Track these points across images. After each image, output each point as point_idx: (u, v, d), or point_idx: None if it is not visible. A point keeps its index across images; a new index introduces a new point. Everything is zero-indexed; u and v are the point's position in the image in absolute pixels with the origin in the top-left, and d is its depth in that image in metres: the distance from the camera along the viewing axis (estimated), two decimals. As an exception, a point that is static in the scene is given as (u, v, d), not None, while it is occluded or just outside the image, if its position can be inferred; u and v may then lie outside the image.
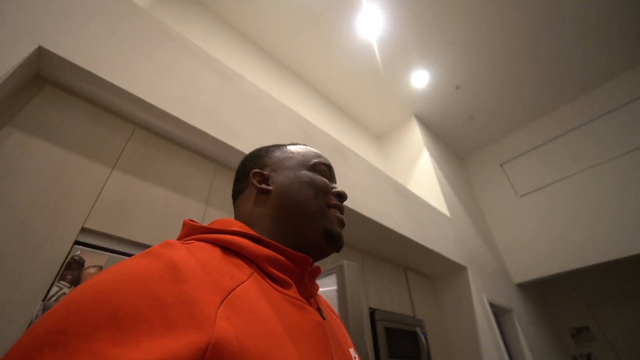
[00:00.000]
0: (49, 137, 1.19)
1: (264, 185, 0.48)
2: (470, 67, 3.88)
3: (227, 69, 1.89)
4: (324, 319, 0.42)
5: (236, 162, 1.73)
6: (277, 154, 0.53)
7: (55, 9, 1.25)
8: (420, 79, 3.96)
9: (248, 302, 0.31)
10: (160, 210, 1.36)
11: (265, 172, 0.50)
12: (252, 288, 0.33)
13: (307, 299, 0.42)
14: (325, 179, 0.50)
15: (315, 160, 0.52)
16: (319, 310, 0.43)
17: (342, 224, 0.49)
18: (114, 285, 0.25)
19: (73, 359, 0.20)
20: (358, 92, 4.13)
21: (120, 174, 1.31)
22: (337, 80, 3.97)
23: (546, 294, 4.77)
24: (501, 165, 4.70)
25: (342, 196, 0.50)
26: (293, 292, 0.39)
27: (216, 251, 0.35)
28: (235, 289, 0.31)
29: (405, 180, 4.04)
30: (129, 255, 1.20)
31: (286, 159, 0.52)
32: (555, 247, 3.76)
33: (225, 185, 1.69)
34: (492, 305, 3.13)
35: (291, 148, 0.54)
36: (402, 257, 2.81)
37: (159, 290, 0.25)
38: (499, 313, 3.39)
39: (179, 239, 0.39)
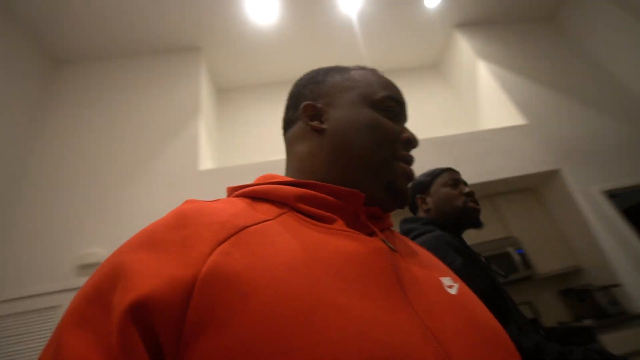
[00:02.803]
0: None
1: (316, 123, 0.41)
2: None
3: None
4: (393, 250, 0.33)
5: None
6: (337, 80, 0.44)
7: None
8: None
9: (265, 237, 0.28)
10: None
11: (319, 105, 0.42)
12: (276, 225, 0.30)
13: (368, 235, 0.35)
14: (392, 123, 0.41)
15: (383, 94, 0.42)
16: (383, 241, 0.34)
17: (408, 177, 0.41)
18: (126, 245, 0.28)
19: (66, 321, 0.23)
20: (391, 44, 4.05)
21: None
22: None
23: None
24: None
25: (412, 143, 0.42)
26: (339, 225, 0.33)
27: (242, 201, 0.33)
28: (249, 226, 0.29)
29: (473, 107, 3.88)
30: None
31: (346, 88, 0.43)
32: None
33: None
34: (612, 192, 2.87)
35: (355, 74, 0.45)
36: (483, 191, 2.96)
37: (160, 238, 0.27)
38: (630, 193, 2.99)
39: None
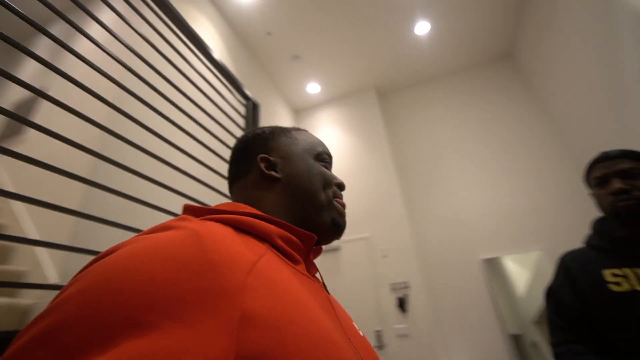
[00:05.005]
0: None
1: (273, 173, 0.48)
2: None
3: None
4: (328, 294, 0.42)
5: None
6: (283, 139, 0.52)
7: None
8: None
9: (271, 273, 0.30)
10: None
11: (272, 159, 0.49)
12: (271, 261, 0.33)
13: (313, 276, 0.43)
14: (330, 173, 0.53)
15: (320, 150, 0.54)
16: (324, 285, 0.44)
17: (344, 214, 0.52)
18: (139, 266, 0.24)
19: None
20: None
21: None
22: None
23: None
24: None
25: (342, 187, 0.53)
26: (302, 268, 0.40)
27: (229, 229, 0.35)
28: (257, 261, 0.30)
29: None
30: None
31: (292, 145, 0.52)
32: None
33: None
34: None
35: (295, 134, 0.54)
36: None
37: (186, 263, 0.25)
38: None
39: None
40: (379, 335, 3.50)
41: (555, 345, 0.91)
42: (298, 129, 0.56)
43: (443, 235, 3.99)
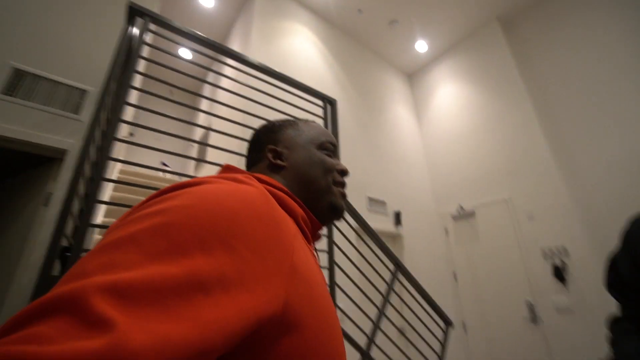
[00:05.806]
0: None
1: (278, 161, 0.53)
2: None
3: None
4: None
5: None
6: (290, 132, 0.57)
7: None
8: None
9: (302, 244, 0.38)
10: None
11: (279, 149, 0.54)
12: (300, 236, 0.39)
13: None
14: (331, 160, 0.56)
15: (323, 139, 0.57)
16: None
17: (344, 197, 0.56)
18: (228, 202, 0.30)
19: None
20: None
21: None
22: None
23: None
24: None
25: (345, 173, 0.57)
26: (311, 248, 0.47)
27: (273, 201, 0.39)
28: (297, 232, 0.38)
29: None
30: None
31: (297, 136, 0.56)
32: None
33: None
34: None
35: (302, 126, 0.59)
36: None
37: (259, 213, 0.32)
38: None
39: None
40: (531, 307, 3.09)
41: (609, 321, 0.84)
42: (307, 122, 0.61)
43: (617, 184, 2.98)
